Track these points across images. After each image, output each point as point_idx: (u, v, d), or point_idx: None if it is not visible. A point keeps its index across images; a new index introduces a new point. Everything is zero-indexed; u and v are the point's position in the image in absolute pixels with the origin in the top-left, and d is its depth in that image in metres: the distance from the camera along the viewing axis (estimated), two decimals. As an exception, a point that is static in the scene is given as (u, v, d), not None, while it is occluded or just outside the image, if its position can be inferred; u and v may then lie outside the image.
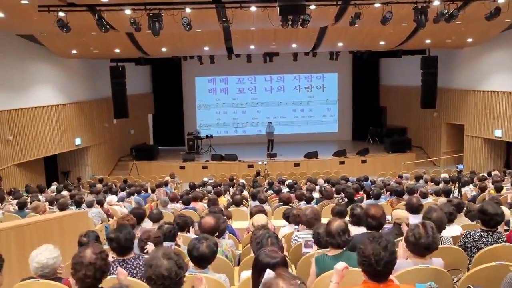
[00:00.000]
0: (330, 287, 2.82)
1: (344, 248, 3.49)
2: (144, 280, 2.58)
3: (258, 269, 2.38)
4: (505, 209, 5.01)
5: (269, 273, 2.21)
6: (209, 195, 10.14)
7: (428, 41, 15.20)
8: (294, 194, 10.03)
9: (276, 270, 1.81)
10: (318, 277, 3.24)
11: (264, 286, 1.76)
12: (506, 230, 4.60)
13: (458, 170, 8.40)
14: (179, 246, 4.58)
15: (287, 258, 2.75)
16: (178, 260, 2.51)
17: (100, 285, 2.75)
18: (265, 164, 16.34)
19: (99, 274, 2.71)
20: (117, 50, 14.98)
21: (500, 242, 3.87)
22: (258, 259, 2.37)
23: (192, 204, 8.40)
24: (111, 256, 3.55)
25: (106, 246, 4.34)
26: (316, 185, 11.77)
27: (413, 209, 5.32)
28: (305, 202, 8.32)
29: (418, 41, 14.94)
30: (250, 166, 17.38)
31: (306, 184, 12.81)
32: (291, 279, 1.73)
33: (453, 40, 14.93)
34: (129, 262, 3.53)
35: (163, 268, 2.44)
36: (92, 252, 2.72)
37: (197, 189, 11.70)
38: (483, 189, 9.32)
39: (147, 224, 6.10)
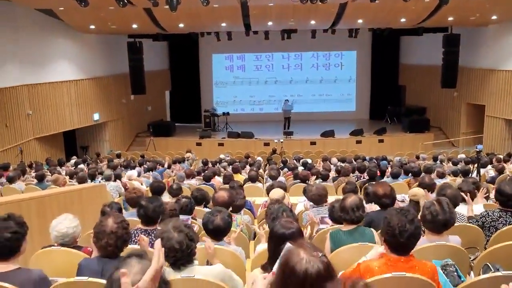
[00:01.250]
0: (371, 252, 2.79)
1: (359, 224, 3.49)
2: None
3: (274, 240, 2.39)
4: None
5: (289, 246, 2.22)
6: (225, 171, 10.21)
7: (451, 18, 14.77)
8: (309, 172, 10.05)
9: (296, 240, 1.80)
10: (332, 252, 3.25)
11: (284, 255, 1.75)
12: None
13: (477, 150, 8.26)
14: (195, 219, 4.64)
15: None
16: (189, 232, 2.53)
17: (121, 254, 2.82)
18: (281, 142, 16.31)
19: (120, 243, 2.78)
20: (134, 26, 14.96)
21: (519, 222, 3.82)
22: (273, 230, 2.39)
23: (212, 181, 8.48)
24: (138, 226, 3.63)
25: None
26: (331, 164, 11.74)
27: (426, 188, 5.27)
28: (321, 180, 8.33)
29: (441, 18, 14.54)
30: (266, 144, 17.38)
31: (322, 163, 12.80)
32: (313, 250, 1.72)
33: (477, 17, 14.49)
34: (151, 233, 3.59)
35: (174, 240, 2.47)
36: (113, 221, 2.79)
37: (214, 166, 11.77)
38: (501, 171, 9.19)
39: (165, 198, 6.20)
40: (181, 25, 15.15)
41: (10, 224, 2.65)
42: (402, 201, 5.64)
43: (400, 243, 2.51)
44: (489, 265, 2.65)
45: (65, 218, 3.40)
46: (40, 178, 8.56)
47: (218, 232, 3.30)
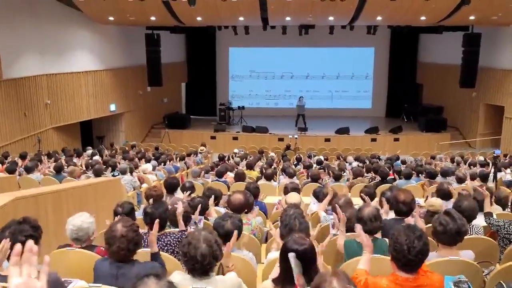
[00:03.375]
0: (363, 259, 2.84)
1: (375, 236, 3.47)
2: (180, 252, 2.65)
3: (286, 256, 2.40)
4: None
5: (292, 256, 2.24)
6: (238, 167, 10.21)
7: (472, 17, 14.50)
8: (323, 170, 10.02)
9: (335, 274, 1.81)
10: (345, 262, 3.25)
11: (317, 282, 1.78)
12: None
13: (495, 155, 8.13)
14: (207, 219, 4.68)
15: (315, 242, 2.76)
16: (216, 250, 2.54)
17: (133, 257, 2.85)
18: (296, 138, 16.28)
19: (132, 246, 2.82)
20: (152, 18, 15.01)
21: (535, 236, 3.77)
22: (286, 245, 2.39)
23: (224, 177, 8.49)
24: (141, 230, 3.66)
25: (139, 215, 4.49)
26: (346, 162, 11.69)
27: (445, 195, 5.22)
28: (333, 180, 8.30)
29: (462, 17, 14.28)
30: (281, 139, 17.37)
31: (336, 160, 12.75)
32: (346, 282, 1.74)
33: (499, 16, 14.18)
34: (160, 238, 3.63)
35: (199, 251, 2.48)
36: (122, 225, 2.82)
37: (227, 161, 11.80)
38: (519, 175, 9.06)
39: (179, 194, 6.24)
40: (199, 18, 15.16)
41: (25, 228, 2.70)
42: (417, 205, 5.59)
43: (408, 259, 2.50)
44: (503, 284, 2.62)
45: (81, 215, 3.45)
46: (58, 170, 8.67)
47: (228, 237, 3.30)
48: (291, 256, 2.28)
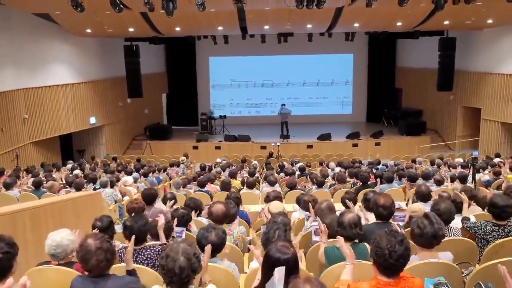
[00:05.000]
0: (346, 270, 2.86)
1: (355, 241, 3.48)
2: (157, 265, 2.62)
3: (269, 264, 2.39)
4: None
5: (279, 271, 2.22)
6: (223, 177, 10.18)
7: (446, 22, 14.82)
8: (305, 177, 10.06)
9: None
10: (327, 268, 3.25)
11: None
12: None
13: (473, 156, 8.28)
14: (189, 231, 4.64)
15: (297, 249, 2.77)
16: (194, 263, 2.51)
17: (109, 272, 2.82)
18: (278, 145, 16.32)
19: (110, 255, 2.81)
20: (131, 29, 14.95)
21: (511, 236, 3.83)
22: (269, 254, 2.38)
23: (206, 187, 8.45)
24: (121, 244, 3.61)
25: (118, 228, 4.42)
26: (329, 168, 11.75)
27: (423, 196, 5.28)
28: (316, 186, 8.33)
29: (436, 22, 14.59)
30: (263, 147, 17.39)
31: (319, 166, 12.81)
32: (319, 287, 1.74)
33: (472, 21, 14.53)
34: (140, 252, 3.59)
35: (177, 264, 2.46)
36: (94, 239, 2.81)
37: (210, 170, 11.75)
38: (497, 174, 9.21)
39: (159, 205, 6.18)
40: (178, 28, 15.16)
41: (1, 245, 2.65)
42: (397, 209, 5.63)
43: (390, 264, 2.51)
44: (482, 284, 2.65)
45: (63, 231, 3.39)
46: (37, 185, 8.53)
47: (212, 249, 3.29)
48: (279, 270, 2.26)
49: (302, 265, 2.73)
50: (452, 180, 8.60)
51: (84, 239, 2.86)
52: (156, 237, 3.97)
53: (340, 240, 3.09)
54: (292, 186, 8.03)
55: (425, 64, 18.89)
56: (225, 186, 8.01)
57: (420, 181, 8.39)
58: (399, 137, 18.46)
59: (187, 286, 2.51)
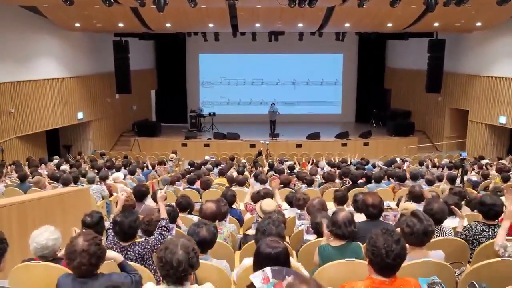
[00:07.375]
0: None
1: (348, 240, 3.46)
2: (157, 257, 2.55)
3: (260, 259, 2.36)
4: None
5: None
6: (205, 176, 10.10)
7: (436, 24, 14.93)
8: (295, 176, 10.04)
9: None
10: (320, 267, 3.23)
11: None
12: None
13: (462, 157, 8.34)
14: (179, 228, 4.59)
15: (288, 245, 2.73)
16: (192, 258, 2.46)
17: (97, 271, 2.74)
18: (267, 144, 16.29)
19: (95, 260, 2.69)
20: (120, 25, 14.78)
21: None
22: (259, 249, 2.35)
23: (196, 184, 8.39)
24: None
25: (108, 224, 4.35)
26: (318, 167, 11.75)
27: (416, 197, 5.29)
28: (306, 185, 8.32)
29: (426, 24, 14.68)
30: (252, 146, 17.35)
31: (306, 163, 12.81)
32: (316, 287, 1.70)
33: (462, 23, 14.66)
34: (129, 248, 3.53)
35: (175, 257, 2.41)
36: (84, 239, 2.69)
37: (199, 168, 11.67)
38: (485, 176, 9.30)
39: (150, 202, 6.12)
40: (168, 24, 15.03)
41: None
42: (387, 208, 5.64)
43: (386, 263, 2.48)
44: (475, 283, 2.65)
45: (46, 230, 3.30)
46: (23, 179, 8.39)
47: (204, 245, 3.25)
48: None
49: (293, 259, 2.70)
50: (440, 180, 8.67)
51: (76, 236, 2.77)
52: (148, 233, 3.92)
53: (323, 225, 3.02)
54: (287, 183, 8.01)
55: (414, 66, 19.03)
56: (206, 185, 7.86)
57: (408, 181, 8.43)
58: (388, 138, 18.56)
59: (182, 282, 2.46)
